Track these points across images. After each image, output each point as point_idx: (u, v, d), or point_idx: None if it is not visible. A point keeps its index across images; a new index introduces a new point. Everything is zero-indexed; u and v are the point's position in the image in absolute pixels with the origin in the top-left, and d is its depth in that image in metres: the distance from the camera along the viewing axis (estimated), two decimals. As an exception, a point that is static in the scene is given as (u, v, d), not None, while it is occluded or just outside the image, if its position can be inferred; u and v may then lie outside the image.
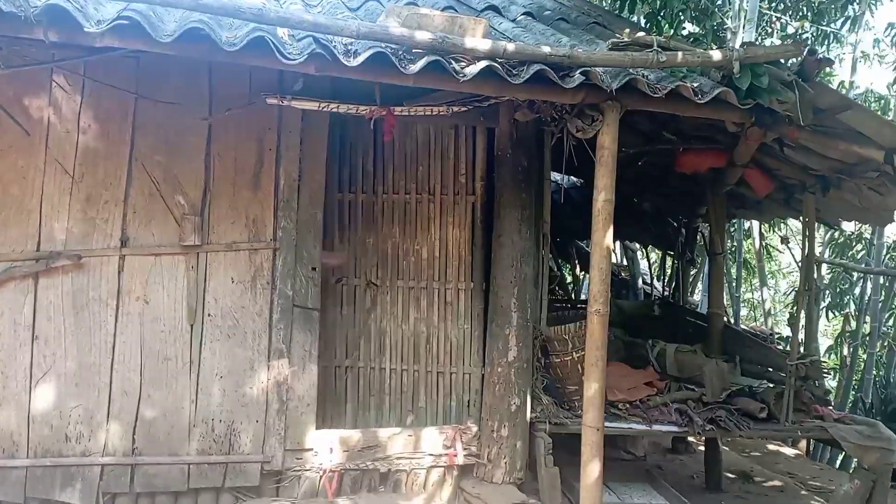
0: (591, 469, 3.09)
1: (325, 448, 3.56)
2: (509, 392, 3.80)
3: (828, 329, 11.26)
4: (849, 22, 8.44)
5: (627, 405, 4.24)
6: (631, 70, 3.17)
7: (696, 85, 3.24)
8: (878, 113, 7.56)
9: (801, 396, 4.34)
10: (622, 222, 6.71)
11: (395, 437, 3.70)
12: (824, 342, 10.40)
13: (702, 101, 3.19)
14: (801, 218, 5.02)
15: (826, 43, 8.38)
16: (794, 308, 5.15)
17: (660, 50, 3.18)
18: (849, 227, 7.86)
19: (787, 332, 7.79)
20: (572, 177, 6.89)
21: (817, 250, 9.36)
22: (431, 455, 3.74)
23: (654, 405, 4.24)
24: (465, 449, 3.79)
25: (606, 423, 3.99)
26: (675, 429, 4.12)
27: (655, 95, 3.15)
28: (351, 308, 4.14)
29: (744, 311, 11.74)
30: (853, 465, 4.94)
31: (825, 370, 8.25)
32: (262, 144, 3.60)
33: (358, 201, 4.15)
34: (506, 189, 3.92)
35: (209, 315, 3.46)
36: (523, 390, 3.85)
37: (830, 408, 4.51)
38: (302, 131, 3.64)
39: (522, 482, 3.80)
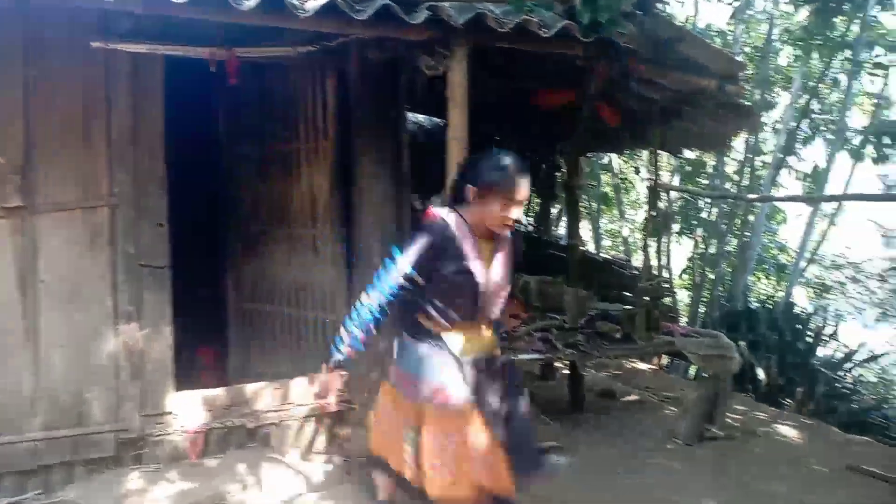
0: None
1: (187, 409, 3.43)
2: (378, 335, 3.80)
3: (681, 252, 12.11)
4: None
5: (494, 338, 4.37)
6: (478, 5, 3.14)
7: (540, 19, 3.27)
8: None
9: (652, 315, 4.66)
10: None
11: (261, 391, 3.63)
12: (679, 265, 11.22)
13: (547, 35, 3.23)
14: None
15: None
16: (642, 233, 5.47)
17: (503, -18, 3.17)
18: (691, 154, 8.38)
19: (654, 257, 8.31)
20: (435, 118, 6.87)
21: (670, 178, 10.00)
22: (303, 406, 3.70)
23: (519, 336, 4.41)
24: (339, 396, 3.78)
25: (474, 357, 4.11)
26: (539, 356, 4.32)
27: (502, 30, 3.16)
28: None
29: (607, 242, 12.41)
30: (699, 374, 5.36)
31: (673, 290, 8.92)
32: (90, 94, 3.28)
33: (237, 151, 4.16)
34: (361, 132, 3.84)
35: (43, 282, 3.18)
36: (392, 334, 3.85)
37: (678, 324, 4.89)
38: (134, 78, 3.35)
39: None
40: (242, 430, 3.58)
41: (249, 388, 3.63)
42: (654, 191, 4.80)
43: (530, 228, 7.27)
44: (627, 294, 5.08)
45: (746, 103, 4.39)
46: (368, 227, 3.83)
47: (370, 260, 3.81)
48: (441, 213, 2.57)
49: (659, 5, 3.91)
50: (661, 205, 9.28)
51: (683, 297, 10.55)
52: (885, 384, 9.72)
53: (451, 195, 2.66)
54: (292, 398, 3.68)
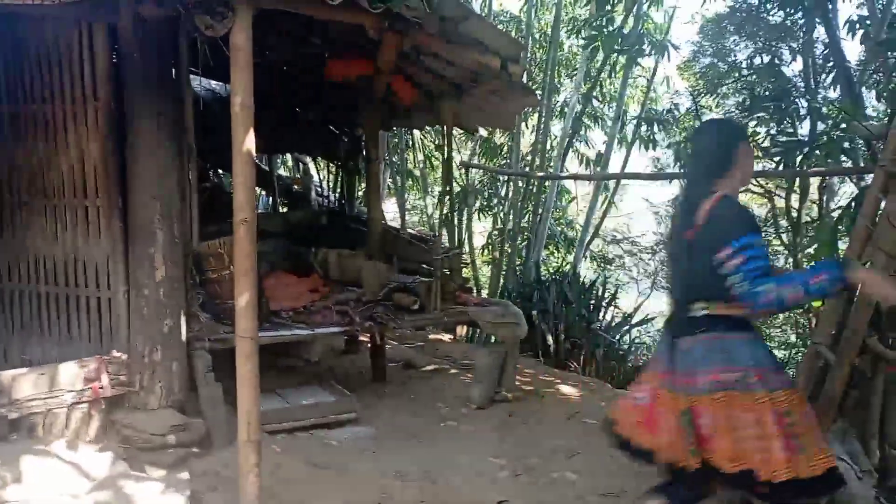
0: (248, 378, 3.04)
1: (-71, 404, 3.00)
2: (160, 314, 3.57)
3: (483, 227, 12.68)
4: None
5: (291, 312, 4.30)
6: (261, -35, 3.02)
7: (329, -15, 3.22)
8: (507, 29, 8.45)
9: (447, 287, 4.83)
10: (288, 133, 6.66)
11: (23, 378, 3.26)
12: (481, 239, 11.76)
13: (334, 3, 3.18)
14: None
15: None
16: (440, 208, 5.64)
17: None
18: (484, 133, 8.78)
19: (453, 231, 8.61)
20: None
21: (471, 156, 10.41)
22: (72, 391, 3.38)
23: (317, 310, 4.37)
24: (114, 379, 3.50)
25: (271, 333, 4.01)
26: (337, 329, 4.31)
27: (287, -7, 3.07)
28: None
29: (415, 218, 12.67)
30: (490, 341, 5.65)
31: (473, 262, 9.33)
32: None
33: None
34: (137, 94, 3.55)
35: None
36: (176, 310, 3.64)
37: (472, 295, 5.12)
38: None
39: (184, 403, 3.66)
40: (4, 422, 3.21)
41: (7, 374, 3.25)
42: (449, 167, 4.96)
43: (333, 202, 7.22)
44: (428, 267, 5.22)
45: (528, 84, 4.66)
46: (147, 197, 3.56)
47: (150, 232, 3.56)
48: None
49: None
50: (462, 182, 9.68)
51: (487, 270, 11.11)
52: (656, 344, 10.93)
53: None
54: (61, 384, 3.35)
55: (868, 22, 6.20)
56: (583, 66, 9.17)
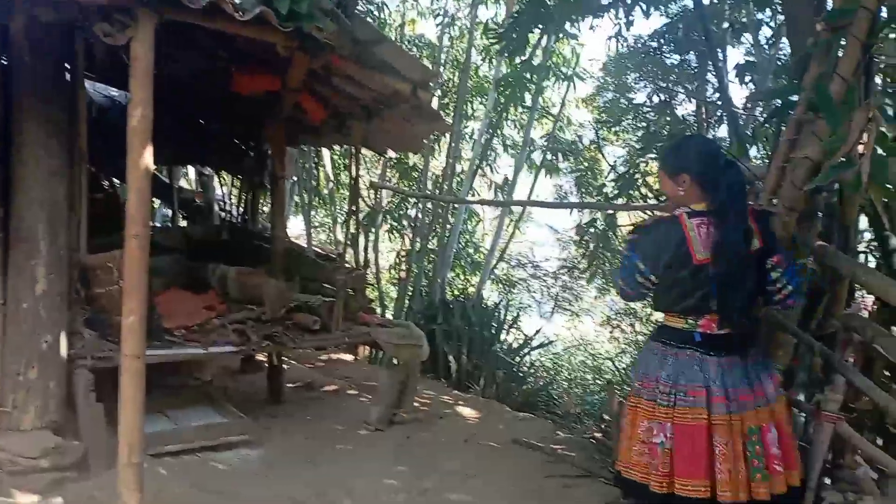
0: (131, 398, 2.92)
1: None
2: (38, 329, 3.37)
3: (392, 248, 12.69)
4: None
5: (184, 330, 4.15)
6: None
7: (238, 1, 3.18)
8: (418, 54, 8.58)
9: (350, 307, 4.80)
10: (192, 145, 6.47)
11: None
12: (390, 259, 11.77)
13: (243, 19, 3.15)
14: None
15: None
16: (346, 227, 5.62)
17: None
18: (394, 154, 8.83)
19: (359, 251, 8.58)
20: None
21: (382, 177, 10.43)
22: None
23: (212, 328, 4.24)
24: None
25: (160, 351, 3.87)
26: (232, 349, 4.19)
27: (193, 6, 3.01)
28: None
29: (322, 236, 12.53)
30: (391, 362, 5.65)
31: (379, 282, 9.31)
32: None
33: None
34: (25, 98, 3.37)
35: None
36: (57, 326, 3.45)
37: (375, 315, 5.11)
38: None
39: (60, 424, 3.46)
40: None
41: None
42: (356, 187, 4.96)
43: (236, 218, 7.04)
44: (331, 287, 5.17)
45: (438, 109, 4.75)
46: (32, 204, 3.37)
47: (33, 242, 3.37)
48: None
49: (360, 8, 4.04)
50: (371, 202, 9.67)
51: (393, 290, 11.11)
52: (557, 367, 11.24)
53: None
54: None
55: (754, 68, 6.71)
56: (492, 94, 9.40)
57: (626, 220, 6.44)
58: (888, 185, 2.49)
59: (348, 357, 7.00)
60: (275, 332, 4.32)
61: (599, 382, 9.90)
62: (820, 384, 3.11)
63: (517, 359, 8.34)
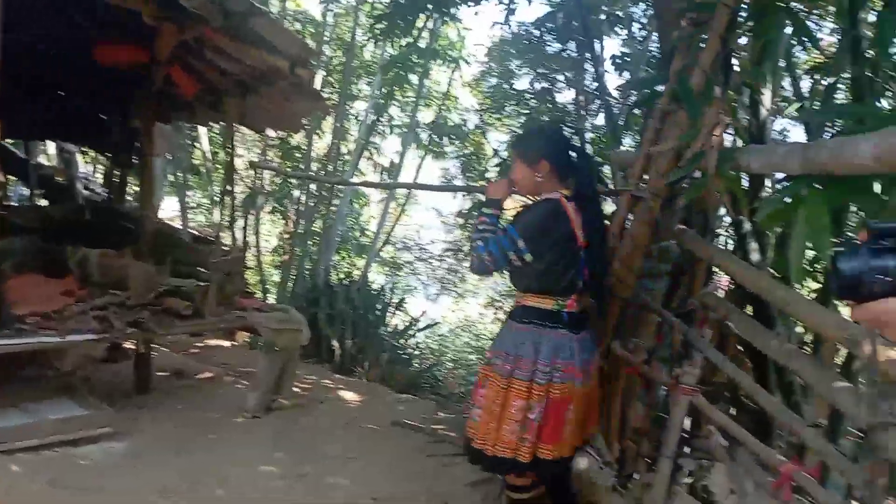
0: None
1: None
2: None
3: (275, 230, 12.36)
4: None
5: (38, 318, 3.84)
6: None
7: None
8: (301, 31, 8.35)
9: (225, 291, 4.62)
10: (51, 119, 5.98)
11: None
12: (273, 242, 11.46)
13: (101, -18, 2.93)
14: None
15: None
16: (222, 208, 5.40)
17: None
18: (273, 133, 8.58)
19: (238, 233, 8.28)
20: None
21: (262, 156, 10.09)
22: None
23: (70, 315, 3.95)
24: None
25: (10, 340, 3.58)
26: (93, 336, 3.92)
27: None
28: None
29: (200, 218, 12.00)
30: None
31: (250, 265, 9.05)
32: None
33: None
34: None
35: None
36: None
37: (253, 299, 4.95)
38: None
39: None
40: None
41: None
42: (231, 166, 4.76)
43: (102, 197, 6.60)
44: (200, 269, 4.94)
45: (320, 88, 4.63)
46: None
47: None
48: None
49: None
50: (251, 182, 9.36)
51: (276, 274, 10.83)
52: (442, 349, 11.40)
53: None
54: None
55: (629, 60, 7.01)
56: (379, 75, 9.30)
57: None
58: (733, 175, 2.66)
59: (227, 343, 6.76)
60: (141, 318, 4.09)
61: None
62: (679, 359, 3.32)
63: (402, 341, 8.37)
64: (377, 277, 11.36)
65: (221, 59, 4.23)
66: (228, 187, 4.79)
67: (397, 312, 9.19)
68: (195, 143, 9.62)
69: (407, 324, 8.91)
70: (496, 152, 8.86)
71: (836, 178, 2.03)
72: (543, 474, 2.81)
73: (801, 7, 2.76)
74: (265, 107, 4.70)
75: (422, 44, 8.53)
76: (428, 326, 9.52)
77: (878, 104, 2.91)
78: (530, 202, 2.79)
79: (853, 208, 2.98)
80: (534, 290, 2.65)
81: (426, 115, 10.67)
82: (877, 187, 1.94)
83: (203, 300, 4.44)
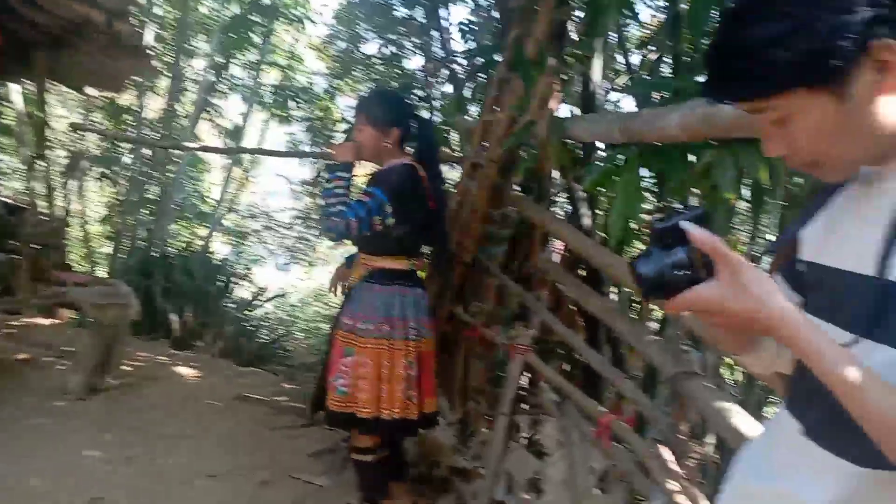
0: None
1: None
2: None
3: (105, 198, 11.43)
4: None
5: None
6: None
7: None
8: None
9: (39, 264, 4.20)
10: None
11: None
12: (102, 211, 10.58)
13: None
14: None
15: None
16: (34, 175, 4.88)
17: None
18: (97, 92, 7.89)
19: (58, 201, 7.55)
20: None
21: (89, 118, 9.25)
22: None
23: None
24: None
25: None
26: None
27: None
28: None
29: (16, 184, 10.83)
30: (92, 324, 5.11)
31: (72, 236, 8.38)
32: None
33: None
34: None
35: None
36: None
37: (73, 273, 4.55)
38: None
39: None
40: None
41: None
42: (41, 126, 4.30)
43: None
44: (11, 241, 4.47)
45: (141, 45, 4.25)
46: None
47: None
48: None
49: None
50: (74, 146, 8.56)
51: (107, 245, 10.03)
52: (292, 318, 11.16)
53: None
54: None
55: (476, 27, 7.08)
56: (216, 32, 8.77)
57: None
58: (563, 143, 2.77)
59: (46, 322, 6.18)
60: (-63, 297, 3.63)
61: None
62: (516, 321, 3.45)
63: (248, 313, 8.09)
64: (221, 247, 10.86)
65: (29, 10, 3.77)
66: (40, 151, 4.33)
67: (244, 283, 8.85)
68: (4, 102, 8.61)
69: (253, 294, 8.61)
70: (343, 118, 8.69)
71: (651, 147, 2.16)
72: (397, 436, 2.91)
73: (625, -18, 2.88)
74: (82, 63, 4.27)
75: (264, 1, 8.14)
76: (276, 297, 9.26)
77: (695, 79, 3.13)
78: (380, 168, 2.78)
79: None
80: (392, 252, 2.72)
81: (271, 77, 10.24)
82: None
83: (16, 275, 4.02)
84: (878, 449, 0.80)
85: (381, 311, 2.66)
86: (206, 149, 8.69)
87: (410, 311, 2.71)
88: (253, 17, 7.92)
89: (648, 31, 5.48)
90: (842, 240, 0.94)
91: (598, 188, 2.44)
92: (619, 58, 4.71)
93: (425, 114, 6.62)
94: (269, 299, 8.80)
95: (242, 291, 8.86)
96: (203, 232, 9.90)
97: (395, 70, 7.75)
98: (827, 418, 0.93)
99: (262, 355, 7.08)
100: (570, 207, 3.93)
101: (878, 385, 0.78)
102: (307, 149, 9.97)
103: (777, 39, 0.81)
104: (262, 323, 8.60)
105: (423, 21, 7.48)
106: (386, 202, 2.55)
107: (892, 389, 0.78)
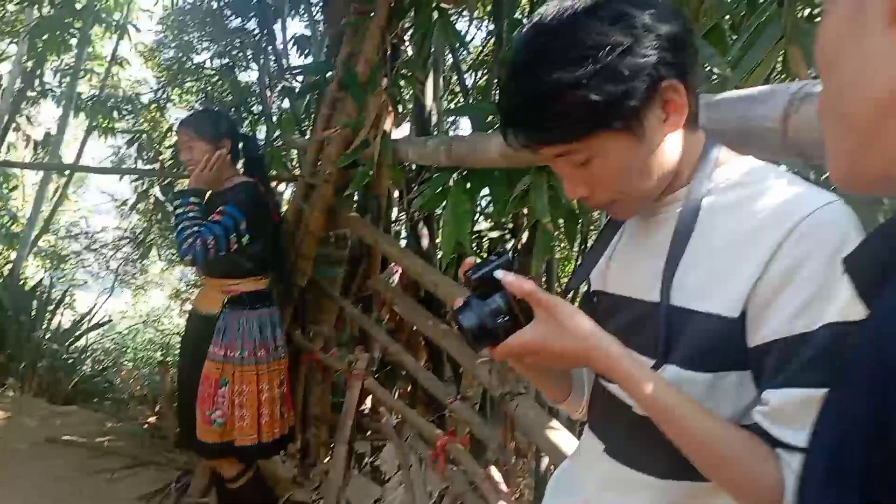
0: None
1: None
2: None
3: None
4: None
5: None
6: None
7: None
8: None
9: None
10: None
11: None
12: None
13: None
14: None
15: None
16: None
17: None
18: None
19: None
20: None
21: None
22: None
23: None
24: None
25: None
26: None
27: None
28: None
29: None
30: None
31: None
32: None
33: None
34: None
35: None
36: None
37: None
38: None
39: None
40: None
41: None
42: None
43: None
44: None
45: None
46: None
47: None
48: None
49: None
50: None
51: None
52: (120, 348, 10.31)
53: None
54: None
55: (311, 41, 6.95)
56: (25, 35, 7.96)
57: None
58: (396, 164, 2.76)
59: None
60: None
61: (169, 359, 9.37)
62: (356, 344, 3.39)
63: (66, 345, 7.35)
64: (35, 272, 9.83)
65: None
66: None
67: (62, 312, 8.05)
68: None
69: (73, 323, 7.85)
70: (172, 129, 8.18)
71: (479, 169, 2.19)
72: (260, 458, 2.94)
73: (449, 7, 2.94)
74: None
75: (78, 5, 7.50)
76: (100, 325, 8.49)
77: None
78: (221, 188, 2.69)
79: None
80: (253, 272, 2.71)
81: (90, 85, 9.44)
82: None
83: None
84: (685, 463, 0.83)
85: (256, 336, 2.67)
86: (7, 164, 7.79)
87: (276, 330, 2.78)
88: (67, 21, 7.26)
89: (484, 54, 5.67)
90: (629, 270, 0.99)
91: (427, 209, 2.45)
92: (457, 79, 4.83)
93: (261, 130, 6.43)
94: (92, 328, 8.05)
95: (62, 320, 8.06)
96: (12, 255, 8.90)
97: (230, 82, 7.41)
98: (626, 436, 0.96)
99: (84, 390, 6.47)
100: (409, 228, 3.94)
101: (693, 408, 0.81)
102: (132, 163, 9.28)
103: (583, 83, 0.82)
104: (84, 354, 7.85)
105: (258, 32, 7.24)
106: (241, 219, 2.52)
107: (706, 412, 0.81)
